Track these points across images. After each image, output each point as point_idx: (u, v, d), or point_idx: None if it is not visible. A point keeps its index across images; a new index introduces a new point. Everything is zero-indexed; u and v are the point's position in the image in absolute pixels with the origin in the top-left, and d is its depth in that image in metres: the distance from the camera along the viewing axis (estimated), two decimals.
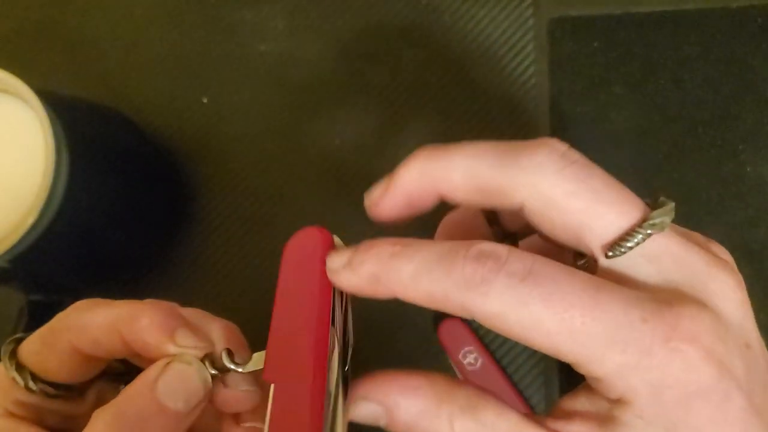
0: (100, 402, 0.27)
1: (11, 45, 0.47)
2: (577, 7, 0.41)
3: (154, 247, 0.43)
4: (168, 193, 0.43)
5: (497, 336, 0.40)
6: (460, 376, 0.39)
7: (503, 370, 0.39)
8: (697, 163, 0.40)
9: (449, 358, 0.39)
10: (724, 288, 0.20)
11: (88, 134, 0.37)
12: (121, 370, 0.27)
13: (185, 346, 0.23)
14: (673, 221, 0.20)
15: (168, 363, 0.23)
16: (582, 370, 0.19)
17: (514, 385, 0.39)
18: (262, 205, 0.43)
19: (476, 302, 0.18)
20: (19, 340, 0.26)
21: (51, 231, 0.33)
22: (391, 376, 0.21)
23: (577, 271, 0.19)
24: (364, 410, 0.21)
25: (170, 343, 0.23)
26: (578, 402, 0.20)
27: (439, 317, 0.40)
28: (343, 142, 0.43)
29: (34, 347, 0.25)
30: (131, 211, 0.40)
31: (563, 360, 0.19)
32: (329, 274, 0.22)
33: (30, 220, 0.32)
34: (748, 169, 0.39)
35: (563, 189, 0.19)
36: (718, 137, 0.40)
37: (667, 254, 0.19)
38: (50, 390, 0.25)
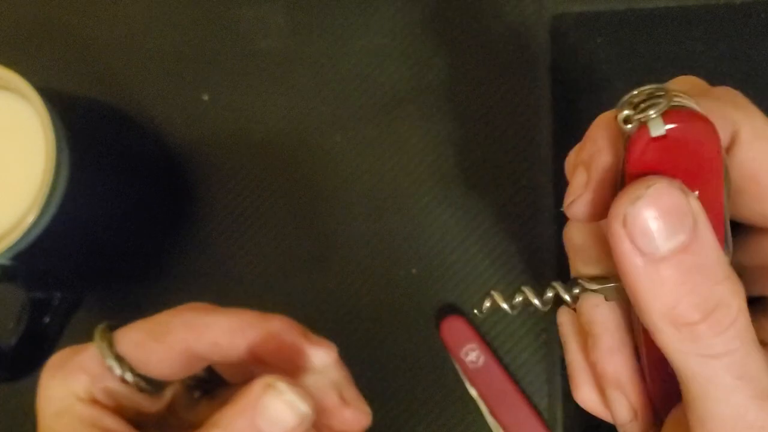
0: (175, 404, 0.26)
1: (12, 42, 0.47)
2: (580, 3, 0.41)
3: (155, 244, 0.43)
4: (168, 190, 0.43)
5: (499, 333, 0.40)
6: (462, 373, 0.39)
7: (505, 367, 0.39)
8: None
9: (451, 355, 0.39)
10: None
11: (88, 131, 0.37)
12: (201, 377, 0.27)
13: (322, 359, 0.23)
14: None
15: (268, 386, 0.22)
16: None
17: (517, 383, 0.39)
18: (263, 202, 0.43)
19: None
20: (112, 327, 0.25)
21: (52, 228, 0.33)
22: None
23: None
24: None
25: (311, 345, 0.24)
26: None
27: (440, 315, 0.40)
28: (344, 138, 0.43)
29: (137, 338, 0.25)
30: (132, 208, 0.40)
31: None
32: None
33: (31, 218, 0.32)
34: None
35: None
36: None
37: None
38: (143, 384, 0.25)
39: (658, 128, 0.17)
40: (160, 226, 0.43)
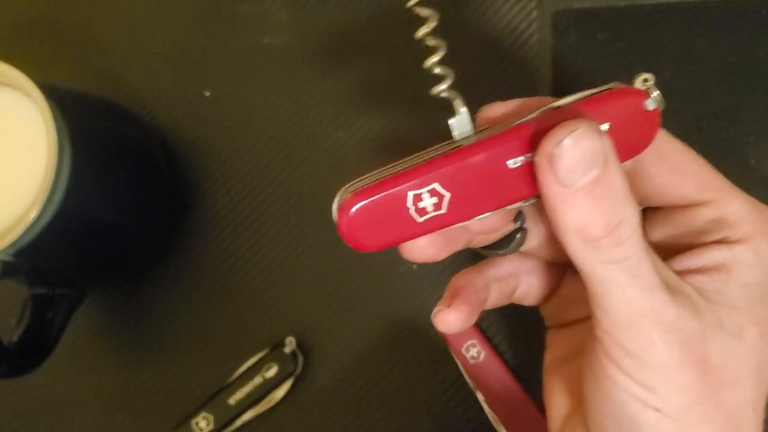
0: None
1: (13, 39, 0.47)
2: None
3: (157, 240, 0.43)
4: (170, 186, 0.43)
5: (500, 329, 0.40)
6: (463, 369, 0.39)
7: (506, 363, 0.39)
8: (702, 156, 0.39)
9: (452, 351, 0.39)
10: None
11: (90, 128, 0.37)
12: None
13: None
14: None
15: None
16: (711, 210, 0.24)
17: (517, 379, 0.39)
18: (265, 199, 0.43)
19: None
20: None
21: (54, 224, 0.33)
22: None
23: None
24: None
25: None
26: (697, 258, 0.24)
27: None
28: (346, 135, 0.43)
29: None
30: (133, 204, 0.40)
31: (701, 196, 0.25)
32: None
33: (33, 214, 0.32)
34: (752, 162, 0.39)
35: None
36: (722, 130, 0.39)
37: None
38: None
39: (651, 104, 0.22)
40: (162, 221, 0.43)
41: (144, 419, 0.43)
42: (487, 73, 0.42)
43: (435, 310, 0.26)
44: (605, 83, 0.23)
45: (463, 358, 0.39)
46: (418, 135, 0.42)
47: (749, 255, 0.24)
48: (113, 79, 0.46)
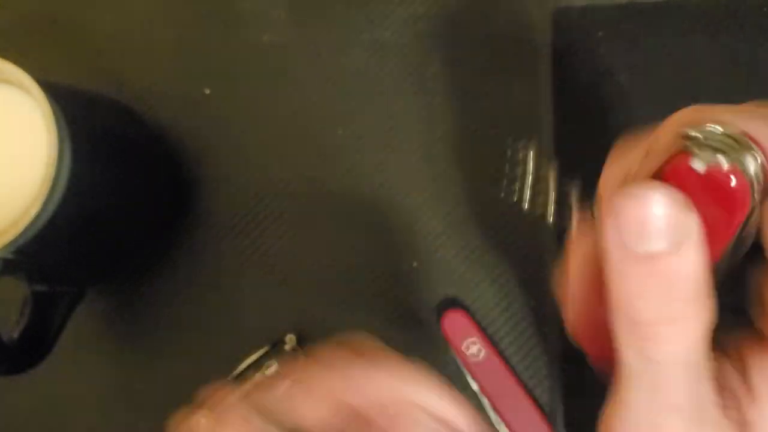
0: None
1: (13, 36, 0.47)
2: None
3: (156, 238, 0.43)
4: (170, 184, 0.43)
5: (500, 327, 0.40)
6: (462, 367, 0.39)
7: (506, 361, 0.39)
8: None
9: (452, 349, 0.39)
10: None
11: (90, 125, 0.37)
12: None
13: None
14: None
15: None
16: None
17: (518, 377, 0.39)
18: (265, 196, 0.43)
19: None
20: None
21: (54, 222, 0.33)
22: None
23: None
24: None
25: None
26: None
27: (441, 308, 0.40)
28: (345, 132, 0.43)
29: None
30: (133, 201, 0.40)
31: None
32: None
33: (33, 212, 0.32)
34: None
35: None
36: None
37: None
38: None
39: (700, 167, 0.18)
40: (162, 218, 0.43)
41: (143, 417, 0.43)
42: (487, 69, 0.42)
43: None
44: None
45: (463, 356, 0.39)
46: (418, 133, 0.42)
47: None
48: (113, 77, 0.46)
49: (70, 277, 0.39)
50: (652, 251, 0.17)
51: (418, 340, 0.41)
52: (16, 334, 0.35)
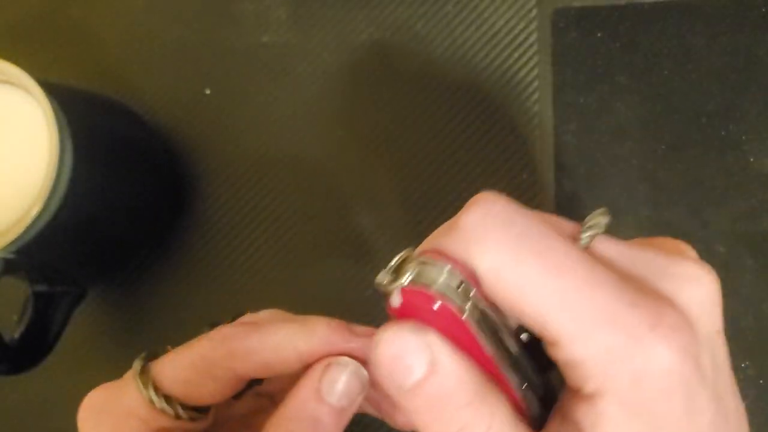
0: (219, 418, 0.27)
1: (13, 36, 0.47)
2: None
3: (157, 237, 0.43)
4: (170, 184, 0.44)
5: None
6: None
7: None
8: (701, 154, 0.40)
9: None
10: (690, 276, 0.19)
11: (91, 125, 0.37)
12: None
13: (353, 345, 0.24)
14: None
15: (328, 365, 0.23)
16: (562, 352, 0.18)
17: None
18: (265, 195, 0.43)
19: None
20: (148, 358, 0.26)
21: (55, 222, 0.33)
22: None
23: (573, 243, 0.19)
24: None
25: (353, 336, 0.24)
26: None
27: None
28: (345, 133, 0.43)
29: (184, 376, 0.25)
30: (134, 201, 0.40)
31: (545, 335, 0.18)
32: None
33: (34, 211, 0.32)
34: (752, 160, 0.39)
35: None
36: (721, 128, 0.40)
37: (622, 257, 0.19)
38: (195, 415, 0.25)
39: (396, 300, 0.19)
40: (163, 219, 0.43)
41: None
42: (487, 69, 0.42)
43: None
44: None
45: None
46: (418, 131, 0.42)
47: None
48: (114, 77, 0.46)
49: (71, 277, 0.39)
50: (415, 381, 0.19)
51: None
52: (17, 334, 0.35)
